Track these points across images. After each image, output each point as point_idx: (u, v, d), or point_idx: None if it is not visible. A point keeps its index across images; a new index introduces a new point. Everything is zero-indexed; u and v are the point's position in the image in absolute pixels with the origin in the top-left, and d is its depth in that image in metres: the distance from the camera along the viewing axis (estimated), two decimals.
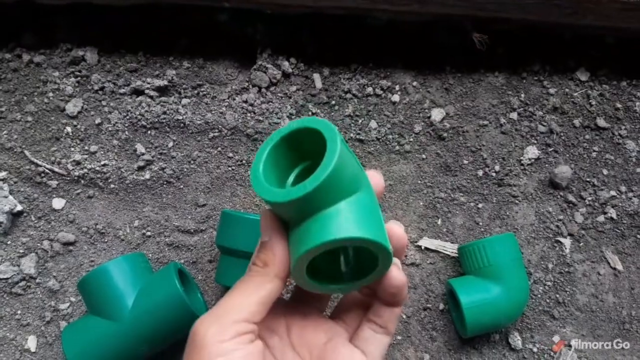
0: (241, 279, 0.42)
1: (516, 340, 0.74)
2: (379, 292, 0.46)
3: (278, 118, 0.82)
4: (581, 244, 0.78)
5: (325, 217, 0.36)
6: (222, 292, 0.77)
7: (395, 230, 0.43)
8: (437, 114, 0.83)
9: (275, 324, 0.44)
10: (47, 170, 0.80)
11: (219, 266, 0.73)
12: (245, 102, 0.83)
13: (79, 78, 0.84)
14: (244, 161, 0.81)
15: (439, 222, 0.79)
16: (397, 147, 0.82)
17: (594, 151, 0.81)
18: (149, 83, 0.83)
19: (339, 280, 0.42)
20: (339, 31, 0.87)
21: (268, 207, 0.39)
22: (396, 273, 0.43)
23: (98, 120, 0.82)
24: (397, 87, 0.84)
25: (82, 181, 0.80)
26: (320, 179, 0.34)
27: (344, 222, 0.36)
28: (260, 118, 0.82)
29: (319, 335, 0.45)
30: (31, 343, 0.75)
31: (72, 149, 0.81)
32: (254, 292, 0.40)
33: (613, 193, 0.79)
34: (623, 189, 0.80)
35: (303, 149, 0.39)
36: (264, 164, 0.37)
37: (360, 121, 0.83)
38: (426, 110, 0.83)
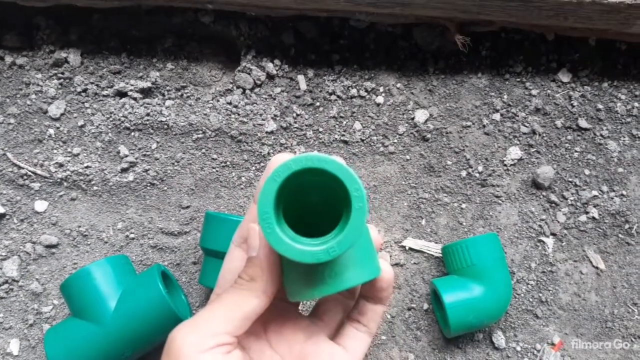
0: (226, 290, 0.41)
1: (500, 339, 0.74)
2: (366, 289, 0.46)
3: (262, 119, 0.82)
4: (563, 243, 0.79)
5: (338, 265, 0.39)
6: (207, 293, 0.77)
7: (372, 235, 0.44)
8: (420, 115, 0.83)
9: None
10: (29, 173, 0.79)
11: (203, 268, 0.73)
12: (230, 103, 0.83)
13: (61, 80, 0.84)
14: (228, 163, 0.81)
15: (423, 222, 0.80)
16: (382, 149, 0.82)
17: (576, 151, 0.82)
18: (132, 85, 0.82)
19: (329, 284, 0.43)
20: (323, 33, 0.87)
21: (258, 223, 0.36)
22: (387, 267, 0.43)
23: (81, 122, 0.81)
24: (381, 89, 0.85)
25: (65, 183, 0.80)
26: (349, 243, 0.34)
27: (353, 270, 0.39)
28: (245, 119, 0.82)
29: (298, 334, 0.45)
30: (13, 346, 0.75)
31: (55, 151, 0.81)
32: (238, 306, 0.39)
33: (595, 193, 0.80)
34: (605, 188, 0.80)
35: (301, 181, 0.37)
36: (273, 207, 0.35)
37: (344, 122, 0.83)
38: (410, 112, 0.84)
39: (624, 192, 0.80)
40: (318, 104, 0.84)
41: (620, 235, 0.79)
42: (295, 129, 0.83)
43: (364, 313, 0.47)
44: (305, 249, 0.34)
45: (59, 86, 0.83)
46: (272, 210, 0.34)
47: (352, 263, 0.40)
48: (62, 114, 0.82)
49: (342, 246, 0.34)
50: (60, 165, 0.80)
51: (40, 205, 0.79)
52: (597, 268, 0.78)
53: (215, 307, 0.40)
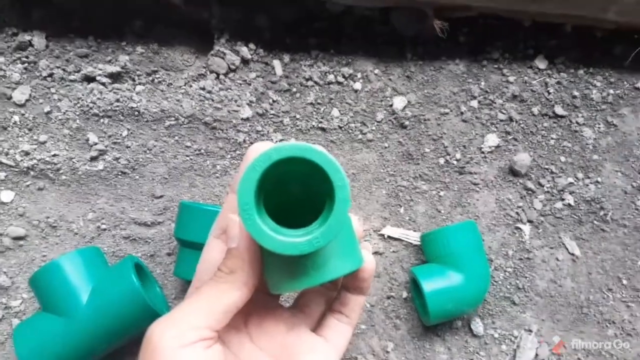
0: (206, 282, 0.40)
1: (478, 326, 0.75)
2: (348, 279, 0.45)
3: (237, 106, 0.80)
4: (540, 230, 0.79)
5: (321, 256, 0.38)
6: (182, 285, 0.75)
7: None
8: (399, 102, 0.82)
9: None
10: None
11: (178, 259, 0.71)
12: (203, 89, 0.80)
13: (26, 64, 0.80)
14: (202, 150, 0.79)
15: (402, 210, 0.79)
16: (360, 136, 0.81)
17: (552, 139, 0.82)
18: (100, 69, 0.79)
19: (312, 276, 0.41)
20: (298, 16, 0.85)
21: (238, 213, 0.34)
22: (369, 257, 0.42)
23: (47, 109, 0.78)
24: (358, 75, 0.83)
25: (32, 172, 0.76)
26: (332, 234, 0.33)
27: (336, 261, 0.38)
28: (219, 106, 0.80)
29: (279, 326, 0.44)
30: None
31: (20, 138, 0.77)
32: (218, 299, 0.38)
33: (570, 180, 0.81)
34: (580, 175, 0.81)
35: (282, 171, 0.36)
36: (254, 198, 0.34)
37: (322, 109, 0.82)
38: (388, 99, 0.83)
39: (599, 179, 0.81)
40: (295, 89, 0.82)
41: (595, 222, 0.80)
42: (271, 116, 0.81)
43: (346, 304, 0.47)
44: (288, 240, 0.33)
45: (23, 71, 0.79)
46: (252, 201, 0.33)
47: (335, 254, 0.39)
48: (27, 100, 0.78)
49: (325, 237, 0.33)
50: (27, 153, 0.76)
51: (6, 195, 0.76)
52: (572, 254, 0.79)
53: (194, 301, 0.39)
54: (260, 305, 0.44)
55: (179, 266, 0.71)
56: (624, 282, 0.78)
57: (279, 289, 0.39)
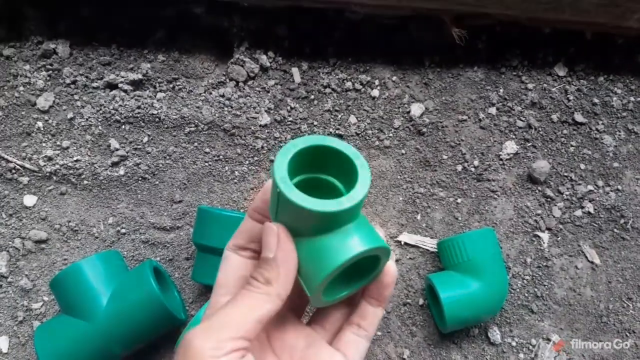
0: (240, 292, 0.40)
1: (495, 334, 0.74)
2: (370, 288, 0.46)
3: (256, 112, 0.81)
4: (559, 238, 0.78)
5: (348, 232, 0.39)
6: (200, 289, 0.76)
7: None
8: (416, 109, 0.82)
9: None
10: (17, 167, 0.78)
11: (195, 264, 0.72)
12: (222, 96, 0.81)
13: (50, 72, 0.82)
14: (221, 156, 0.80)
15: (419, 217, 0.79)
16: (377, 143, 0.82)
17: (572, 146, 0.82)
18: (122, 77, 0.81)
19: (342, 286, 0.43)
20: (317, 25, 0.86)
21: (275, 221, 0.38)
22: (391, 263, 0.43)
23: (70, 115, 0.80)
24: (376, 82, 0.84)
25: (54, 177, 0.78)
26: (363, 195, 0.36)
27: (364, 236, 0.39)
28: (238, 113, 0.81)
29: (300, 341, 0.44)
30: (3, 344, 0.73)
31: (44, 144, 0.79)
32: (253, 310, 0.39)
33: (590, 187, 0.80)
34: (600, 183, 0.80)
35: (306, 162, 0.39)
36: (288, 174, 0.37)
37: (339, 116, 0.82)
38: (405, 105, 0.83)
39: (620, 187, 0.80)
40: (313, 97, 0.83)
41: (615, 230, 0.79)
42: (289, 123, 0.82)
43: (365, 317, 0.47)
44: (320, 201, 0.36)
45: (48, 78, 0.82)
46: (287, 175, 0.36)
47: (360, 236, 0.40)
48: (50, 106, 0.80)
49: (352, 199, 0.36)
50: (50, 158, 0.78)
51: (29, 199, 0.77)
52: (592, 263, 0.78)
53: (230, 312, 0.39)
54: (280, 320, 0.45)
55: (196, 271, 0.72)
56: None
57: (316, 282, 0.40)
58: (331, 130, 0.81)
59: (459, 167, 0.81)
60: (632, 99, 0.83)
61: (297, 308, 0.48)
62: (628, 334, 0.75)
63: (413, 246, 0.78)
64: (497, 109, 0.83)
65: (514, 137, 0.82)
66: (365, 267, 0.42)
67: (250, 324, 0.38)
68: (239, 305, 0.39)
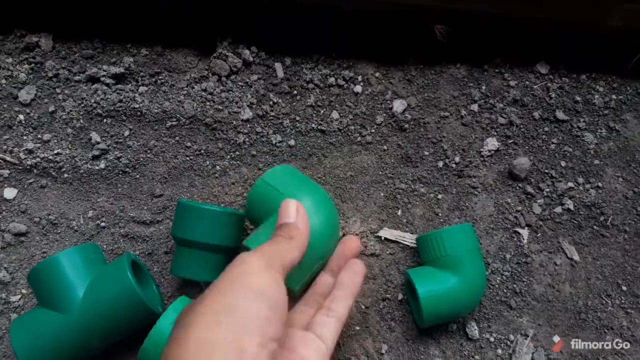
0: (268, 242, 0.52)
1: (473, 330, 0.74)
2: (330, 265, 0.65)
3: (238, 107, 0.81)
4: (539, 234, 0.79)
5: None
6: (178, 283, 0.76)
7: (350, 244, 0.68)
8: (398, 105, 0.82)
9: None
10: None
11: (175, 258, 0.72)
12: (205, 90, 0.81)
13: (32, 65, 0.82)
14: (202, 151, 0.80)
15: (399, 212, 0.79)
16: (359, 138, 0.82)
17: (553, 143, 0.82)
18: (105, 70, 0.81)
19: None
20: (302, 20, 0.86)
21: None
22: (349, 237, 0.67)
23: (52, 108, 0.80)
24: (359, 78, 0.84)
25: (35, 170, 0.78)
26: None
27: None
28: (220, 107, 0.81)
29: None
30: None
31: (25, 137, 0.79)
32: (284, 253, 0.50)
33: (571, 184, 0.80)
34: (580, 180, 0.80)
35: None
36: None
37: (322, 112, 0.82)
38: (388, 102, 0.83)
39: (600, 184, 0.80)
40: (295, 92, 0.83)
41: (595, 227, 0.79)
42: (271, 117, 0.82)
43: (334, 299, 0.58)
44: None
45: (30, 71, 0.81)
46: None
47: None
48: (32, 100, 0.80)
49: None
50: (30, 151, 0.78)
51: (9, 192, 0.77)
52: (571, 259, 0.78)
53: (270, 248, 0.51)
54: None
55: (175, 265, 0.71)
56: (624, 288, 0.77)
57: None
58: (313, 125, 0.81)
59: (440, 164, 0.81)
60: (613, 97, 0.84)
61: None
62: (606, 331, 0.75)
63: (393, 241, 0.78)
64: (479, 105, 0.83)
65: (495, 133, 0.82)
66: None
67: (285, 262, 0.50)
68: (274, 246, 0.51)
